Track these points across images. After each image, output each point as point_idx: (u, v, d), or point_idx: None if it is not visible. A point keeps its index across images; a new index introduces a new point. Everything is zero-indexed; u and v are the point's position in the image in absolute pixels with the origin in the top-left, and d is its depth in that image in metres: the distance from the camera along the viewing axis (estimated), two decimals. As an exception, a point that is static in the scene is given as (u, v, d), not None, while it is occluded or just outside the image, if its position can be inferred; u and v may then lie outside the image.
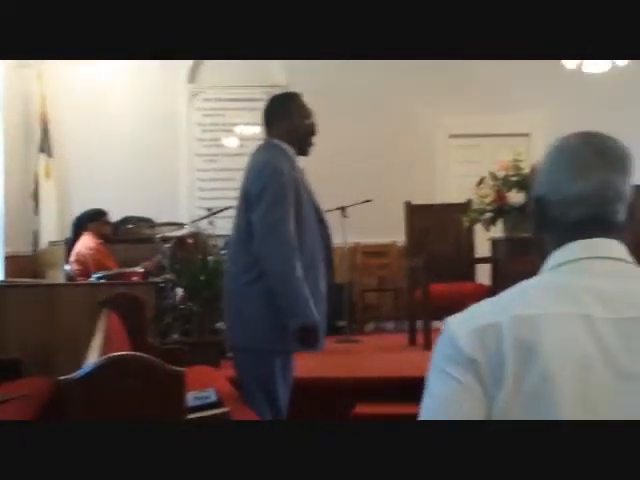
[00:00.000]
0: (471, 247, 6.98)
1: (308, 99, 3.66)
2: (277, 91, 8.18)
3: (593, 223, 1.30)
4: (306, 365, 4.12)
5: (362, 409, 4.45)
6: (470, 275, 6.80)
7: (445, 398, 1.21)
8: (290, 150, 3.49)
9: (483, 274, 6.81)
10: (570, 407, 1.13)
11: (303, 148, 3.56)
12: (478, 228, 6.47)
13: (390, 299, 8.58)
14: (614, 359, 1.16)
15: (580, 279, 1.24)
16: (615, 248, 1.29)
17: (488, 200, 6.01)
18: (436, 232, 6.98)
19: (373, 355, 6.31)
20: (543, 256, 1.34)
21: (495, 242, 6.30)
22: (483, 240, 6.68)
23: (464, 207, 6.67)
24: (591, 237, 1.29)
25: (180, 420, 2.21)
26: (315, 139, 3.62)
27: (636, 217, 1.34)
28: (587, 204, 1.30)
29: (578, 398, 1.14)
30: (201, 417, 2.93)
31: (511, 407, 1.15)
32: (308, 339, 3.34)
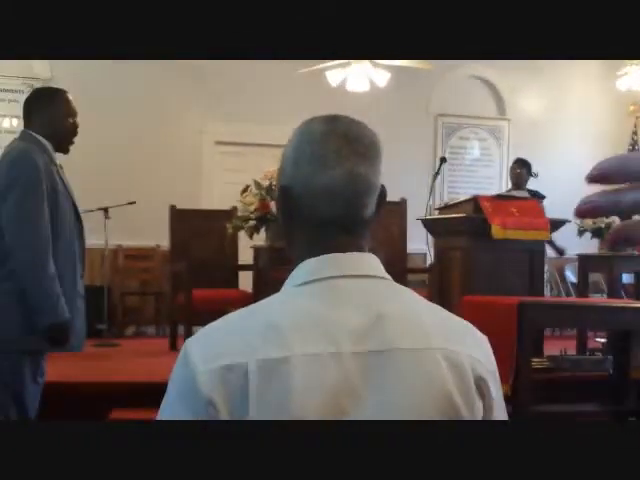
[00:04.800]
0: (235, 254, 7.04)
1: (72, 94, 3.53)
2: (39, 84, 7.96)
3: (342, 222, 1.23)
4: (63, 369, 3.98)
5: (119, 414, 4.35)
6: (233, 282, 6.86)
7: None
8: (47, 144, 3.34)
9: (246, 281, 6.90)
10: None
11: (62, 146, 3.43)
12: (242, 235, 6.55)
13: (152, 303, 8.48)
14: (359, 398, 1.13)
15: (329, 307, 1.17)
16: (367, 263, 1.24)
17: (252, 208, 6.11)
18: (200, 237, 6.98)
19: (132, 360, 6.20)
20: (294, 256, 1.27)
21: (257, 250, 6.40)
22: (247, 247, 6.77)
23: (228, 214, 6.73)
24: (341, 241, 1.22)
25: None
26: (79, 137, 3.50)
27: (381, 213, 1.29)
28: (335, 199, 1.22)
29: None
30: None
31: None
32: (57, 338, 3.21)
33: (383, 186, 1.28)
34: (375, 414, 1.13)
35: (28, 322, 3.18)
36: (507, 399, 3.78)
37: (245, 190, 6.26)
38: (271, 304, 1.20)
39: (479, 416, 1.20)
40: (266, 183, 6.12)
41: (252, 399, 1.09)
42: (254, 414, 1.09)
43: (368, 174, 1.23)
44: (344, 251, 1.22)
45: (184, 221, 7.02)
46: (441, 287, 5.25)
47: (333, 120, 1.26)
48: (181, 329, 6.49)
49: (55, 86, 3.59)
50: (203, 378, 1.11)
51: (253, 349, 1.12)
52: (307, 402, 1.10)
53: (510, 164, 7.88)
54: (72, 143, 3.48)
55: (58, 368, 3.60)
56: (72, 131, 3.44)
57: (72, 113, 3.45)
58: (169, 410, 1.16)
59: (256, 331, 1.14)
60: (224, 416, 1.10)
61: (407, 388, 1.15)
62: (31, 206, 3.16)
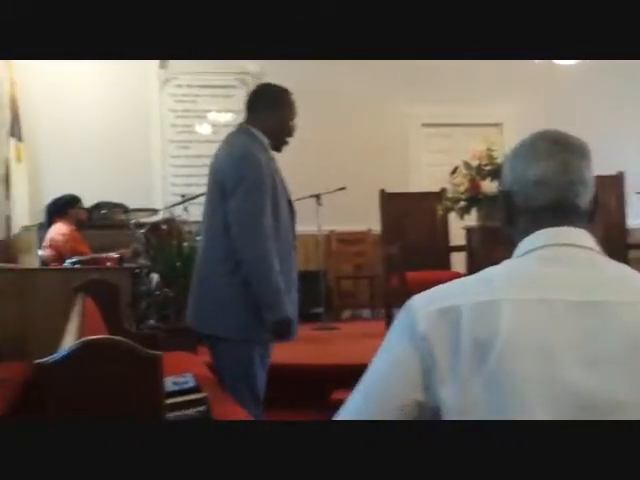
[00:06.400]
0: (446, 235, 7.00)
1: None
2: (250, 79, 8.29)
3: (557, 208, 1.30)
4: (284, 352, 4.11)
5: (340, 395, 4.45)
6: (445, 263, 6.82)
7: (381, 372, 1.24)
8: (266, 141, 3.44)
9: (457, 262, 6.85)
10: (530, 391, 1.14)
11: (279, 145, 3.52)
12: (452, 216, 6.51)
13: (366, 286, 8.60)
14: (573, 343, 1.16)
15: (543, 266, 1.25)
16: (581, 236, 1.29)
17: (462, 189, 6.04)
18: (411, 220, 7.00)
19: (351, 342, 6.31)
20: (513, 248, 1.35)
21: (469, 230, 6.33)
22: (457, 228, 6.71)
23: (438, 195, 6.71)
24: (557, 224, 1.30)
25: (158, 404, 2.20)
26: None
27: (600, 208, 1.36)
28: (549, 187, 1.31)
29: (538, 382, 1.15)
30: (180, 402, 2.92)
31: (469, 390, 1.16)
32: (281, 332, 3.35)
33: (597, 192, 1.36)
34: (585, 358, 1.16)
35: (254, 313, 3.32)
36: None
37: (454, 171, 6.21)
38: (489, 268, 1.30)
39: None
40: (475, 163, 6.04)
41: (464, 336, 1.18)
42: (466, 350, 1.17)
43: (580, 165, 1.32)
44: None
45: (394, 204, 7.06)
46: (667, 263, 4.98)
47: (542, 131, 1.38)
48: (396, 311, 6.54)
49: (283, 86, 3.63)
50: (421, 317, 1.22)
51: (467, 295, 1.22)
52: (512, 340, 1.16)
53: None
54: (287, 144, 3.55)
55: (280, 351, 3.73)
56: (291, 133, 3.53)
57: (294, 116, 3.53)
58: (386, 345, 1.27)
59: (472, 283, 1.26)
60: (437, 351, 1.19)
61: (621, 338, 1.17)
62: (256, 205, 3.27)
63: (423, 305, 1.24)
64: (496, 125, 8.86)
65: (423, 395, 1.19)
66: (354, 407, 1.24)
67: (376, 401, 1.22)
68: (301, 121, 3.59)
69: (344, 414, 1.25)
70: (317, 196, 7.19)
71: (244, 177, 3.28)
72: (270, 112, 3.45)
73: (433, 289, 1.28)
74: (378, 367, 1.25)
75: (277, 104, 3.48)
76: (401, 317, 1.27)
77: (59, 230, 6.50)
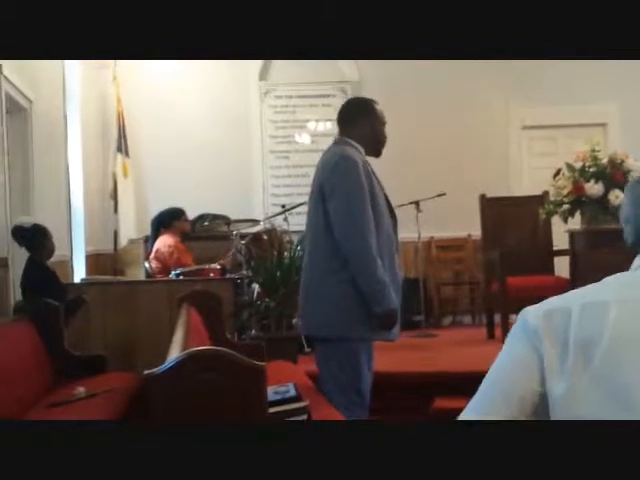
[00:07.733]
0: (549, 239, 6.86)
1: (380, 93, 3.68)
2: (348, 87, 8.35)
3: None
4: (385, 360, 4.12)
5: (441, 404, 4.43)
6: (548, 268, 6.69)
7: (501, 368, 1.30)
8: (361, 148, 3.57)
9: (560, 267, 6.71)
10: (636, 388, 1.14)
11: (376, 151, 3.66)
12: (555, 220, 6.38)
13: (466, 293, 8.54)
14: None
15: None
16: None
17: (565, 192, 5.92)
18: (512, 225, 6.89)
19: (451, 349, 6.26)
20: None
21: (573, 234, 6.19)
22: (558, 232, 6.58)
23: (540, 199, 6.59)
24: None
25: (262, 414, 2.23)
26: (388, 133, 3.68)
27: None
28: None
29: None
30: (282, 411, 2.96)
31: (575, 386, 1.19)
32: (387, 324, 3.41)
33: None
34: None
35: (362, 310, 3.38)
36: None
37: (557, 174, 6.09)
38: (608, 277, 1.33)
39: None
40: (579, 165, 5.91)
41: (572, 334, 1.21)
42: (573, 348, 1.21)
43: None
44: None
45: (495, 209, 6.97)
46: None
47: None
48: (497, 318, 6.46)
49: (366, 95, 3.76)
50: (532, 316, 1.28)
51: (577, 297, 1.27)
52: (619, 338, 1.18)
53: None
54: (383, 148, 3.69)
55: (380, 358, 3.74)
56: (384, 138, 3.68)
57: (385, 122, 3.69)
58: (505, 346, 1.33)
59: (585, 288, 1.30)
60: (547, 346, 1.24)
61: None
62: (357, 202, 3.37)
63: (534, 308, 1.30)
64: (600, 125, 8.65)
65: (541, 386, 1.24)
66: (478, 402, 1.30)
67: (500, 393, 1.27)
68: (400, 127, 3.67)
69: (469, 411, 1.30)
70: (416, 203, 7.17)
71: (342, 178, 3.41)
72: (361, 122, 3.61)
73: (545, 301, 1.34)
74: (499, 364, 1.31)
75: (366, 113, 3.64)
76: (516, 321, 1.33)
77: (165, 242, 6.66)
